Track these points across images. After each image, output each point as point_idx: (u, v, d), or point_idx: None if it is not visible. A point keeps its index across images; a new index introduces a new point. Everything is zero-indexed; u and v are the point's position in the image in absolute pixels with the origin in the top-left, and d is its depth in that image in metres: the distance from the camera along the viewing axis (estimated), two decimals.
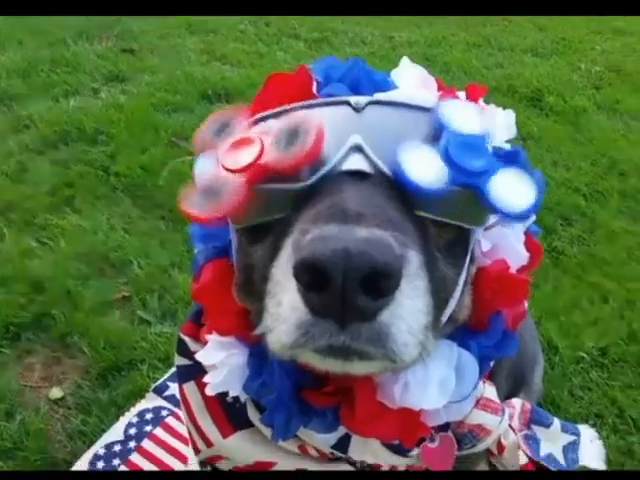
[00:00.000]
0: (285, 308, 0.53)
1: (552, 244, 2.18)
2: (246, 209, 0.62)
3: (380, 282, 0.50)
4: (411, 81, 0.75)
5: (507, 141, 0.72)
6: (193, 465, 1.40)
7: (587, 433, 0.90)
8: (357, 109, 0.65)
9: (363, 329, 0.51)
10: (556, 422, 0.89)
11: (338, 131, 0.62)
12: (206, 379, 0.73)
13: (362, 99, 0.66)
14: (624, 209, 2.43)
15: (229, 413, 0.83)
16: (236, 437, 0.83)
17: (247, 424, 0.82)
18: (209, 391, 0.74)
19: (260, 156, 0.60)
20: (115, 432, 1.56)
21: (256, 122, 0.66)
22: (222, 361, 0.72)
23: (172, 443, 1.54)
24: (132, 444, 1.54)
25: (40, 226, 2.20)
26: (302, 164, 0.59)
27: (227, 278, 0.71)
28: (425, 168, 0.58)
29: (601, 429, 1.58)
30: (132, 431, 1.57)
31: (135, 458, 1.51)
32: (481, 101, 0.75)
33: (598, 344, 1.81)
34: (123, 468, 1.48)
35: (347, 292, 0.49)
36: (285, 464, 0.82)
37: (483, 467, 1.36)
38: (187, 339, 0.86)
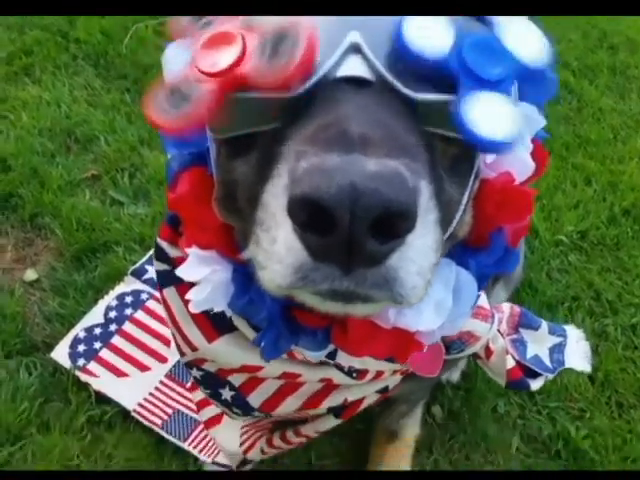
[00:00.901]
0: (280, 247, 0.47)
1: None
2: (223, 118, 0.54)
3: (393, 223, 0.44)
4: None
5: None
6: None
7: (574, 334, 0.90)
8: None
9: (369, 274, 0.46)
10: (544, 325, 0.89)
11: (332, 28, 0.52)
12: (188, 296, 0.69)
13: None
14: (612, 85, 2.35)
15: (213, 318, 0.79)
16: (221, 342, 0.80)
17: (232, 328, 0.79)
18: (192, 309, 0.70)
19: (240, 60, 0.51)
20: (94, 315, 1.55)
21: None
22: (205, 277, 0.67)
23: (154, 326, 1.54)
24: (113, 327, 1.54)
25: None
26: (289, 80, 0.50)
27: (206, 189, 0.65)
28: (429, 35, 0.50)
29: (577, 312, 1.62)
30: (112, 314, 1.56)
31: (117, 341, 1.52)
32: None
33: (578, 227, 1.82)
34: (105, 351, 1.49)
35: (354, 236, 0.43)
36: (272, 367, 0.80)
37: (463, 361, 1.40)
38: (164, 244, 0.81)
